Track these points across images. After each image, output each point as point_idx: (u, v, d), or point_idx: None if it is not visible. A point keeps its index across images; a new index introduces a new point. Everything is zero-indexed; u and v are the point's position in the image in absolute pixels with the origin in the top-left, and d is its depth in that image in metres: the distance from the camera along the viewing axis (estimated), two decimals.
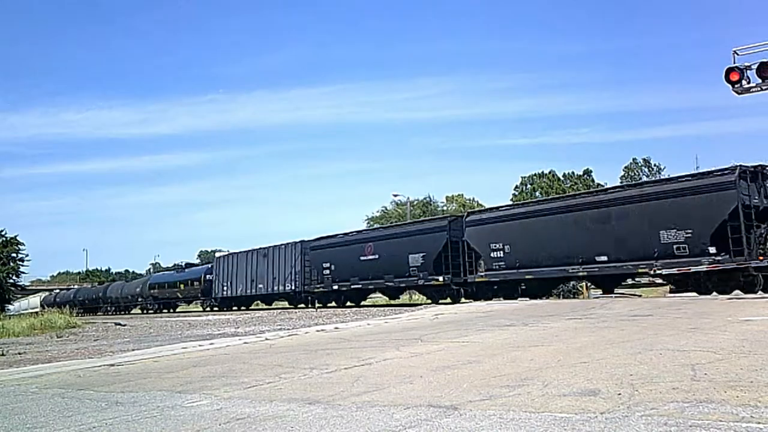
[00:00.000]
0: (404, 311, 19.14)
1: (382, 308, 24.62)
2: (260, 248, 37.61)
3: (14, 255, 45.29)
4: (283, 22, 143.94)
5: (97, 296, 58.71)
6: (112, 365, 8.43)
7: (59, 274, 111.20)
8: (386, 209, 62.38)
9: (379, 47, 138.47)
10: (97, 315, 51.91)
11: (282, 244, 35.75)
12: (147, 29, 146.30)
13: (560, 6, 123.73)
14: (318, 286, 31.75)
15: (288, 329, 13.95)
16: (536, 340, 8.01)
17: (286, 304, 37.74)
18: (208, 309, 41.88)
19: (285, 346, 9.67)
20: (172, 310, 47.52)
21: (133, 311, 53.58)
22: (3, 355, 11.46)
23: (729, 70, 14.11)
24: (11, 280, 45.75)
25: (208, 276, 42.29)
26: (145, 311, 50.10)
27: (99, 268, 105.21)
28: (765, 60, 13.90)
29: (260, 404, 4.67)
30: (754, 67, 14.04)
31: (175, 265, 46.51)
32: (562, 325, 9.79)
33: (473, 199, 66.94)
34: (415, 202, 59.86)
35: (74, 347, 12.90)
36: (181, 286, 45.64)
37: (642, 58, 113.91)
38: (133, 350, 10.92)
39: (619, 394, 4.09)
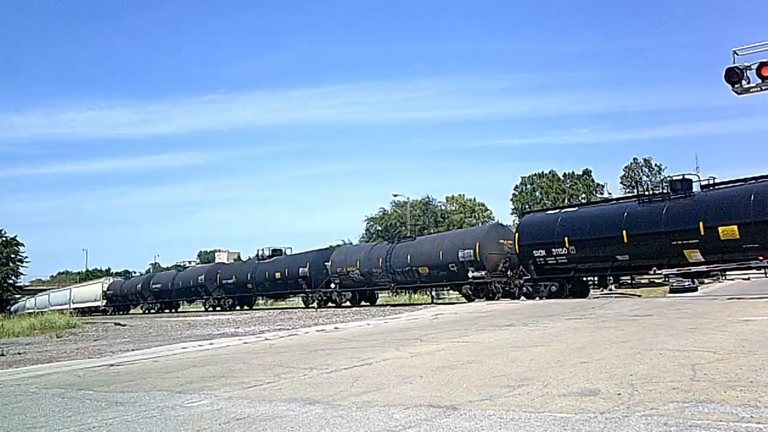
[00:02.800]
0: (404, 311, 19.14)
1: (388, 308, 24.54)
2: None
3: (14, 255, 45.12)
4: (283, 22, 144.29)
5: (268, 276, 33.77)
6: (112, 365, 8.43)
7: (59, 274, 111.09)
8: (384, 211, 62.16)
9: (379, 47, 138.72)
10: (256, 310, 31.04)
11: None
12: (147, 29, 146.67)
13: (560, 6, 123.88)
14: None
15: (288, 329, 13.95)
16: (536, 340, 8.01)
17: None
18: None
19: (285, 346, 9.66)
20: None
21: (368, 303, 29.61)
22: (3, 355, 11.45)
23: (729, 70, 14.12)
24: (11, 281, 45.57)
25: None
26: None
27: (99, 268, 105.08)
28: (765, 60, 13.91)
29: (260, 404, 4.67)
30: (754, 67, 14.04)
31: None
32: (561, 325, 9.79)
33: (473, 199, 67.02)
34: (415, 202, 59.77)
35: (74, 347, 12.89)
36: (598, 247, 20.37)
37: (642, 58, 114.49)
38: (132, 350, 10.91)
39: (619, 394, 4.09)
